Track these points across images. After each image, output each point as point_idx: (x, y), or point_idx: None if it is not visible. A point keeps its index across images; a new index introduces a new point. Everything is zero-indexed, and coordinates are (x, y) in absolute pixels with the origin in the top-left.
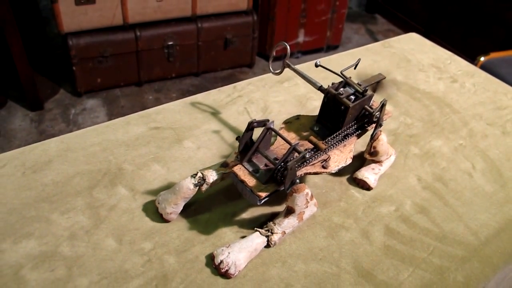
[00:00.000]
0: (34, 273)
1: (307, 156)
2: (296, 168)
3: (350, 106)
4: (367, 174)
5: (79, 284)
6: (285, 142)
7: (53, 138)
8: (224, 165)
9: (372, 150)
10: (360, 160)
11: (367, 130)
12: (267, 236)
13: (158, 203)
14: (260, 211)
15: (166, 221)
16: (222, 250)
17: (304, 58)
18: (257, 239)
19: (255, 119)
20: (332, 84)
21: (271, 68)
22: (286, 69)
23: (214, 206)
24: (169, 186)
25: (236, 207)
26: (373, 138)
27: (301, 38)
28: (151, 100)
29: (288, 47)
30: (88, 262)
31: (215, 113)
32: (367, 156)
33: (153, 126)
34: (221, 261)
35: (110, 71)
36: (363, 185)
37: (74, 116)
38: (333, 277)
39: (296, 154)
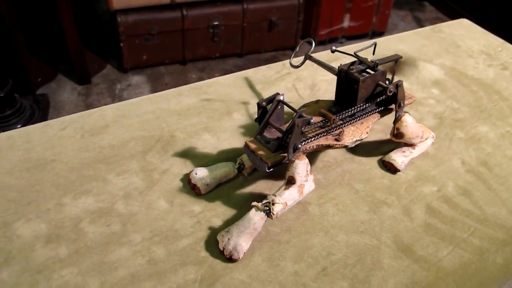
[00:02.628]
0: (91, 226)
1: (312, 121)
2: (304, 138)
3: (361, 79)
4: (395, 156)
5: (133, 239)
6: None
7: (109, 104)
8: None
9: (395, 131)
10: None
11: (390, 110)
12: (265, 210)
13: (196, 173)
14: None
15: (197, 192)
16: (222, 236)
17: (348, 43)
18: (254, 218)
19: (262, 98)
20: (347, 63)
21: (291, 62)
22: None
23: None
24: (219, 155)
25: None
26: (396, 119)
27: (346, 23)
28: (194, 78)
29: (313, 42)
30: (141, 220)
31: (264, 89)
32: (392, 138)
33: (204, 98)
34: (224, 248)
35: (156, 49)
36: (390, 168)
37: (120, 91)
38: (373, 249)
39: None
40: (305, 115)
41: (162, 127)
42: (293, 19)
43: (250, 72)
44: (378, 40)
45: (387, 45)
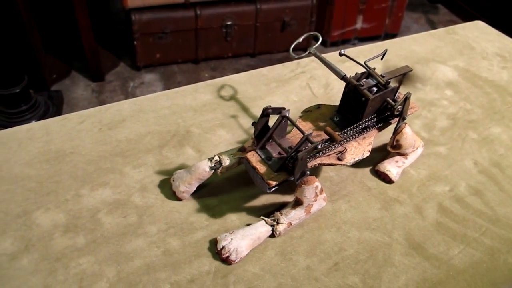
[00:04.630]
0: (108, 217)
1: (319, 147)
2: (308, 159)
3: (370, 98)
4: (390, 167)
5: (148, 231)
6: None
7: (126, 99)
8: (242, 149)
9: (394, 143)
10: (385, 152)
11: (389, 124)
12: (272, 226)
13: (173, 180)
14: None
15: (178, 199)
16: (225, 236)
17: (360, 44)
18: (261, 228)
19: (270, 106)
20: (356, 74)
21: (291, 52)
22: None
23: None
24: (233, 151)
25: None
26: (396, 131)
27: (359, 25)
28: (206, 77)
29: (320, 37)
30: (157, 212)
31: (278, 87)
32: (390, 149)
33: (219, 95)
34: (223, 247)
35: (169, 47)
36: (385, 178)
37: (133, 89)
38: (385, 246)
39: (309, 144)
40: (311, 138)
41: (178, 123)
42: (306, 19)
43: (264, 71)
44: (391, 40)
45: (401, 46)
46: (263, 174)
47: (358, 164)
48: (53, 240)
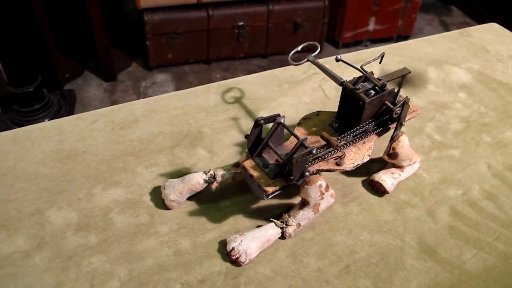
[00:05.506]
0: (120, 216)
1: (314, 151)
2: (306, 164)
3: (367, 101)
4: (385, 176)
5: (160, 230)
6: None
7: (139, 99)
8: (236, 165)
9: (391, 151)
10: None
11: (389, 129)
12: (282, 228)
13: (164, 188)
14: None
15: (166, 207)
16: (235, 237)
17: (373, 46)
18: (271, 230)
19: (262, 116)
20: (353, 78)
21: (290, 59)
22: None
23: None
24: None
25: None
26: (393, 138)
27: (371, 26)
28: (218, 78)
29: (319, 47)
30: (169, 212)
31: (290, 88)
32: (385, 157)
33: (232, 96)
34: (233, 248)
35: (181, 48)
36: (379, 188)
37: (144, 88)
38: (396, 249)
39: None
40: (306, 143)
41: (190, 123)
42: (318, 21)
43: (277, 72)
44: (404, 42)
45: (414, 48)
46: (260, 181)
47: (370, 167)
48: (65, 239)
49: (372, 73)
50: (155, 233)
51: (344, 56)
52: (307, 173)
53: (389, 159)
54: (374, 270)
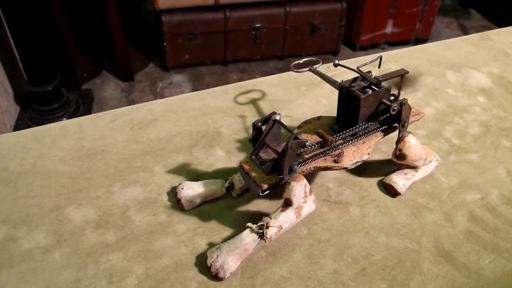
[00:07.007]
0: (138, 215)
1: (307, 143)
2: (299, 160)
3: (362, 97)
4: (396, 178)
5: (178, 229)
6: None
7: (157, 99)
8: None
9: (397, 153)
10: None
11: (395, 128)
12: (259, 233)
13: (182, 188)
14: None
15: (181, 207)
16: (212, 252)
17: (390, 49)
18: (246, 239)
19: (258, 119)
20: (350, 79)
21: (292, 67)
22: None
23: None
24: None
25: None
26: (399, 140)
27: (389, 29)
28: (235, 79)
29: (320, 62)
30: (187, 212)
31: (308, 90)
32: (394, 159)
33: (249, 97)
34: (210, 265)
35: (198, 49)
36: (391, 190)
37: (161, 89)
38: (413, 253)
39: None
40: (300, 137)
41: (208, 123)
42: (335, 23)
43: (294, 74)
44: (423, 45)
45: (432, 51)
46: (255, 177)
47: (387, 169)
48: (84, 236)
49: (369, 72)
50: (173, 232)
51: (362, 59)
52: (295, 167)
53: (397, 161)
54: (391, 273)
